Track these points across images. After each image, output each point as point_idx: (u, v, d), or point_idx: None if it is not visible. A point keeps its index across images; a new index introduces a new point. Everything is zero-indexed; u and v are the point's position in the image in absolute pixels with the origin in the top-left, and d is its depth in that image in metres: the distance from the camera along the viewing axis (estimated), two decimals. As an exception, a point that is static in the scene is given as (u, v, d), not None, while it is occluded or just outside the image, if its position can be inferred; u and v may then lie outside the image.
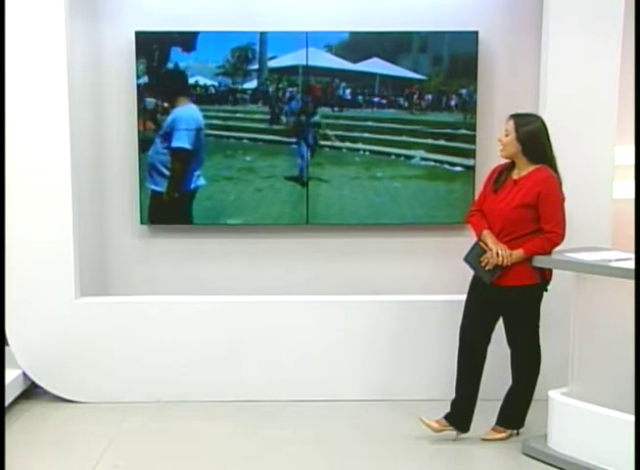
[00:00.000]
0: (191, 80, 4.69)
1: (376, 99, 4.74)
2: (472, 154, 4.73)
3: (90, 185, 4.77)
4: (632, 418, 3.38)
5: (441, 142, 4.75)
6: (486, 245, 3.81)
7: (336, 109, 4.75)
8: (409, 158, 4.78)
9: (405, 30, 4.67)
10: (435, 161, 4.78)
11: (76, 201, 4.48)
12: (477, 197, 4.21)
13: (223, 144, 4.76)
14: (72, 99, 4.42)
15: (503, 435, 4.01)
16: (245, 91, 4.73)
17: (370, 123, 4.75)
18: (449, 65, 4.72)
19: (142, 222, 4.79)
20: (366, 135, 4.77)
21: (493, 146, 4.06)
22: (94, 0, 4.66)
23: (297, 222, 4.81)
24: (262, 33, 4.67)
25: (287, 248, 4.90)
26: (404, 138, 4.77)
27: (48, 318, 4.48)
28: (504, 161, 3.90)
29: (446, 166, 4.78)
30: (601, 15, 4.37)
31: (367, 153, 4.79)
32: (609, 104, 4.44)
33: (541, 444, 3.83)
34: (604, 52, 4.40)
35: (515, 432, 4.02)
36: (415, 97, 4.72)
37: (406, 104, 4.72)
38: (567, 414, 3.73)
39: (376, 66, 4.72)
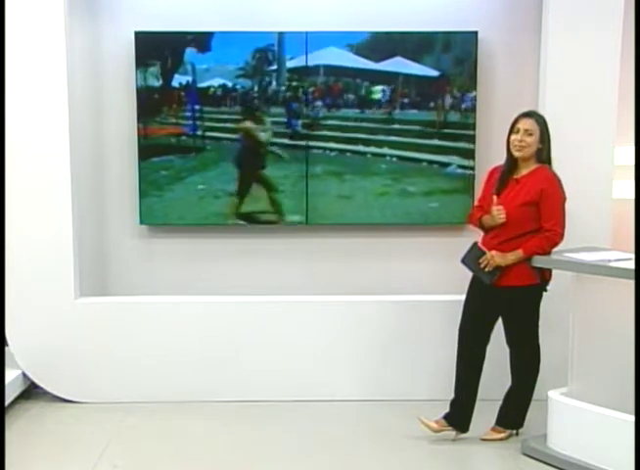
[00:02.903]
0: (206, 83, 4.64)
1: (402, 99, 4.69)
2: (471, 154, 4.73)
3: (90, 185, 4.77)
4: (632, 418, 3.37)
5: (445, 143, 4.74)
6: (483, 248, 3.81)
7: (357, 110, 4.70)
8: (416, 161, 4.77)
9: (405, 30, 4.66)
10: (438, 162, 4.76)
11: (76, 201, 4.48)
12: (476, 199, 4.21)
13: (234, 147, 4.70)
14: (72, 99, 4.42)
15: (502, 435, 4.01)
16: (260, 93, 4.65)
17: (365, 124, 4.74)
18: (449, 64, 4.71)
19: (141, 222, 4.80)
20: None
21: (493, 146, 4.06)
22: (93, 0, 4.67)
23: (296, 222, 4.81)
24: (280, 33, 4.61)
25: (287, 248, 4.90)
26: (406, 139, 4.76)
27: (47, 318, 4.48)
28: (503, 161, 3.89)
29: (447, 167, 4.76)
30: (600, 14, 4.37)
31: (368, 156, 4.77)
32: (609, 104, 4.44)
33: (541, 444, 3.83)
34: (604, 52, 4.40)
35: (514, 432, 4.02)
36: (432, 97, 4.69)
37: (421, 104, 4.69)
38: (566, 414, 3.73)
39: (398, 65, 4.66)
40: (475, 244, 3.88)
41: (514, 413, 3.98)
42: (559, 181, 3.78)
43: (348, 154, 4.76)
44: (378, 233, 4.88)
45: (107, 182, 4.83)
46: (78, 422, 4.29)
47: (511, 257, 3.73)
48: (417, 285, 4.79)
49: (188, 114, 4.69)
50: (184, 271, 4.88)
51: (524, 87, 4.70)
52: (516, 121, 3.81)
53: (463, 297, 3.98)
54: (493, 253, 3.76)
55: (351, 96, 4.69)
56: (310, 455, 3.87)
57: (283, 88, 4.67)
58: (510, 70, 4.75)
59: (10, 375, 4.37)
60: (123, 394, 4.54)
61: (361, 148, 4.75)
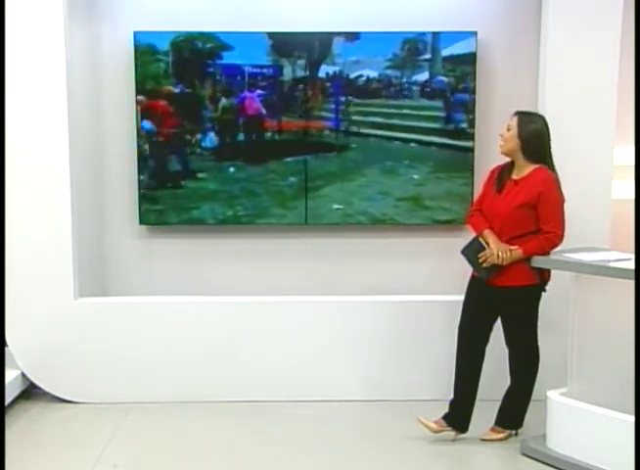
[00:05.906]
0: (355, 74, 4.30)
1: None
2: (471, 155, 4.73)
3: (89, 185, 4.77)
4: (632, 418, 3.37)
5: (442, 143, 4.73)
6: (487, 243, 3.80)
7: None
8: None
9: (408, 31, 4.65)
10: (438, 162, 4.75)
11: (75, 201, 4.47)
12: (475, 198, 4.22)
13: (384, 148, 4.32)
14: (72, 99, 4.42)
15: (502, 435, 4.00)
16: (414, 83, 4.29)
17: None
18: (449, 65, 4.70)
19: (141, 223, 4.80)
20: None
21: (493, 147, 4.05)
22: (93, 0, 4.67)
23: (295, 222, 4.81)
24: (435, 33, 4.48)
25: (287, 248, 4.91)
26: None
27: (47, 319, 4.48)
28: (503, 161, 3.90)
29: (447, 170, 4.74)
30: (600, 15, 4.38)
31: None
32: (608, 104, 4.44)
33: (540, 444, 3.83)
34: (603, 52, 4.41)
35: (514, 432, 4.02)
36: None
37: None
38: (565, 414, 3.73)
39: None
40: (476, 237, 3.88)
41: (513, 413, 3.98)
42: (557, 183, 3.78)
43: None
44: (377, 233, 4.89)
45: (106, 182, 4.83)
46: (78, 422, 4.29)
47: (512, 254, 3.72)
48: (416, 285, 4.79)
49: (332, 106, 4.22)
50: (184, 271, 4.89)
51: (522, 88, 4.70)
52: None
53: (462, 297, 3.99)
54: (502, 247, 3.75)
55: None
56: (310, 455, 3.87)
57: (441, 79, 4.26)
58: (509, 71, 4.76)
59: (9, 375, 4.37)
60: (123, 394, 4.54)
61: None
